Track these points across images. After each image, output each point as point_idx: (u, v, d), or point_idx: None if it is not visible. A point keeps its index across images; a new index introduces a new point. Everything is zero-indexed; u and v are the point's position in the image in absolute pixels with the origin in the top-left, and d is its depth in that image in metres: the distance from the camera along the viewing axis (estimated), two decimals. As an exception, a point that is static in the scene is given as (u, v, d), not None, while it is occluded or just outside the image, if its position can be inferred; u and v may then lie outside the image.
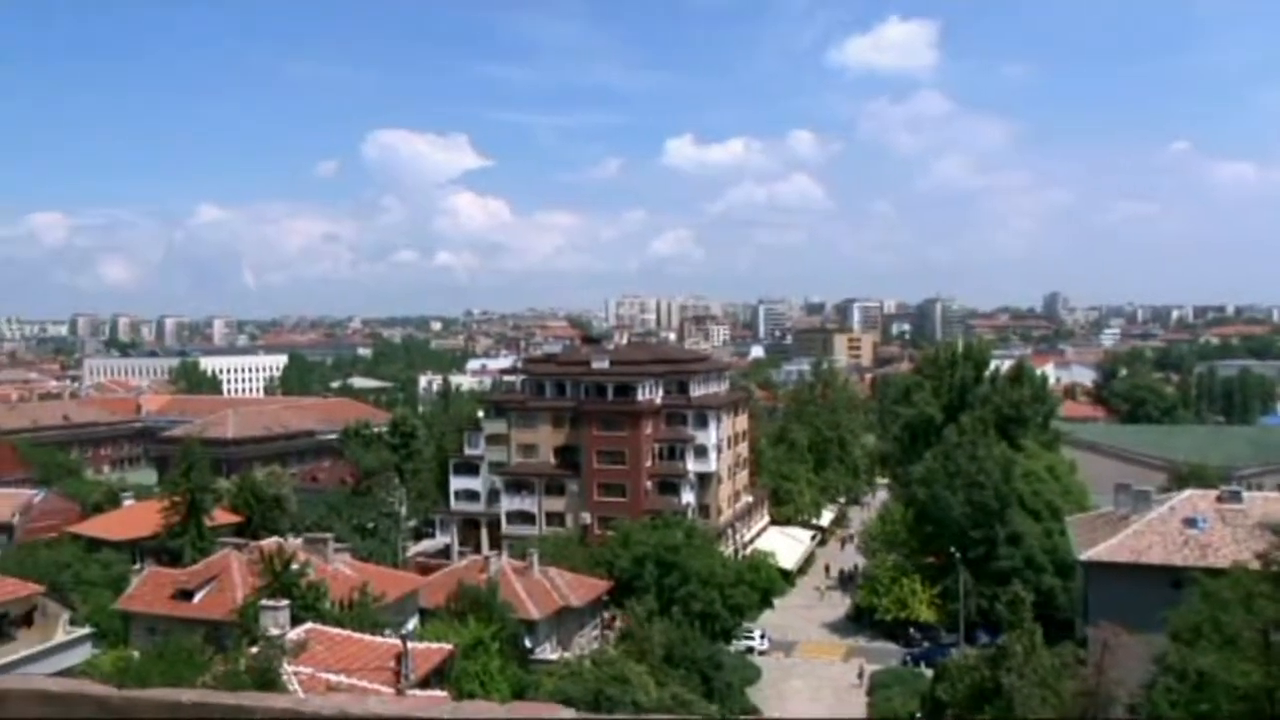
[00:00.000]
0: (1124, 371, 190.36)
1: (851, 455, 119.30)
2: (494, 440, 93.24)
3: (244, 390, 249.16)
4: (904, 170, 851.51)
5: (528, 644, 58.82)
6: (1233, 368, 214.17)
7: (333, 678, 34.69)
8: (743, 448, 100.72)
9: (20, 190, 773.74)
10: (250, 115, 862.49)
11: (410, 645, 39.29)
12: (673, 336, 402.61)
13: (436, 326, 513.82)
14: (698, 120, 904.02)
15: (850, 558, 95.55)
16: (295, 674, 34.34)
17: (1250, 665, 28.94)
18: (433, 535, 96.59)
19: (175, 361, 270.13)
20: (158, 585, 55.15)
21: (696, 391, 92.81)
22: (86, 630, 42.25)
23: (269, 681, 33.04)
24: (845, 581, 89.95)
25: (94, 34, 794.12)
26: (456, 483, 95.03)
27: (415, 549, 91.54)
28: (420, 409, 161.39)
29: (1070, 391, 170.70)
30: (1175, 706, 33.82)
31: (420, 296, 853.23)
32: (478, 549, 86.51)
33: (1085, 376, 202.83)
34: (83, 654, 40.43)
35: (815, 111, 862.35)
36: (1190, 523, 50.26)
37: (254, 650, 36.23)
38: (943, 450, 77.42)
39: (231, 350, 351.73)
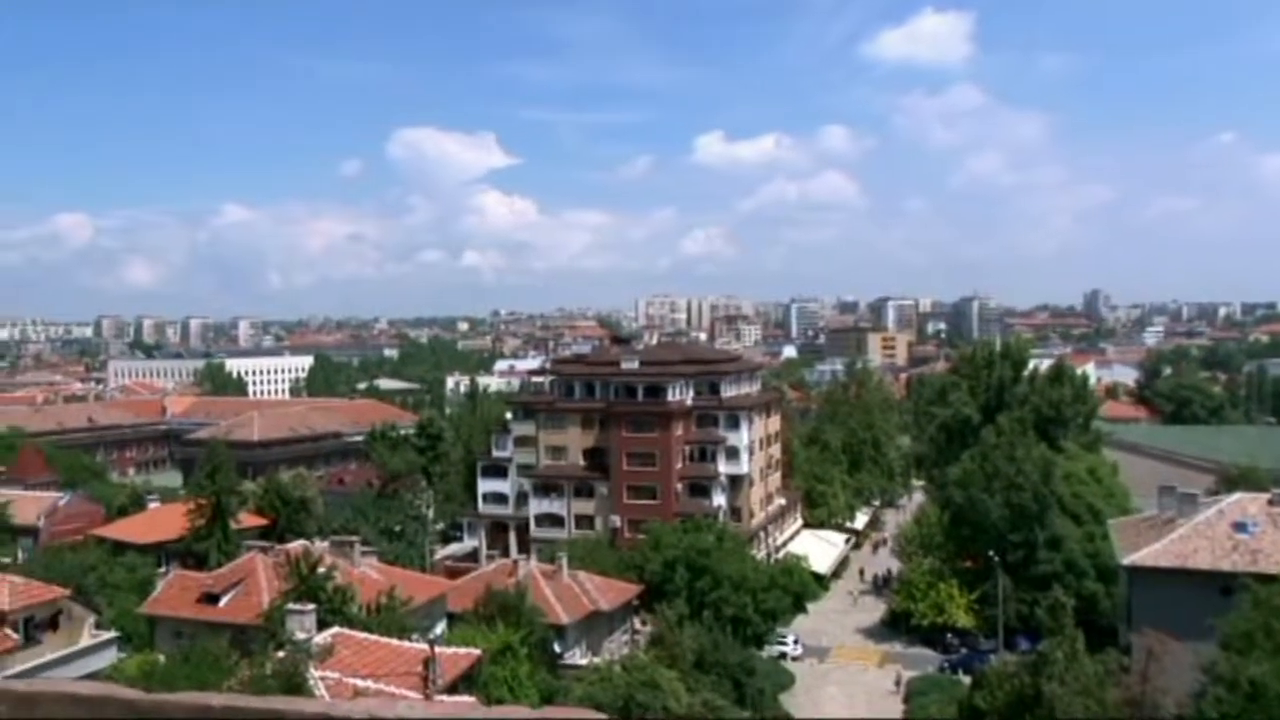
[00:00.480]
0: (1168, 370, 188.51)
1: (886, 457, 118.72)
2: (522, 442, 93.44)
3: (270, 392, 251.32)
4: (939, 166, 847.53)
5: (557, 649, 58.88)
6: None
7: (360, 683, 34.85)
8: (775, 449, 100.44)
9: (44, 191, 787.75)
10: (274, 114, 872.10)
11: (438, 650, 39.44)
12: (703, 336, 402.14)
13: (464, 327, 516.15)
14: (728, 116, 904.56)
15: (885, 562, 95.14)
16: (322, 679, 34.54)
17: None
18: (460, 538, 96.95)
19: (200, 363, 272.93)
20: (183, 589, 55.68)
21: (728, 392, 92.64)
22: (112, 634, 42.70)
23: (295, 686, 33.25)
24: (880, 586, 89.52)
25: (116, 34, 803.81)
26: (484, 485, 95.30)
27: (443, 552, 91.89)
28: (447, 410, 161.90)
29: (1112, 391, 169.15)
30: (1226, 718, 33.35)
31: (447, 297, 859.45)
32: (506, 552, 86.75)
33: (1127, 376, 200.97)
34: (108, 658, 40.87)
35: (847, 107, 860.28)
36: (1240, 527, 49.64)
37: (280, 655, 36.47)
38: (980, 451, 76.87)
39: (257, 351, 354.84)
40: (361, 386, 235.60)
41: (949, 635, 73.06)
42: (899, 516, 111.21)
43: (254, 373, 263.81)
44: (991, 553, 69.99)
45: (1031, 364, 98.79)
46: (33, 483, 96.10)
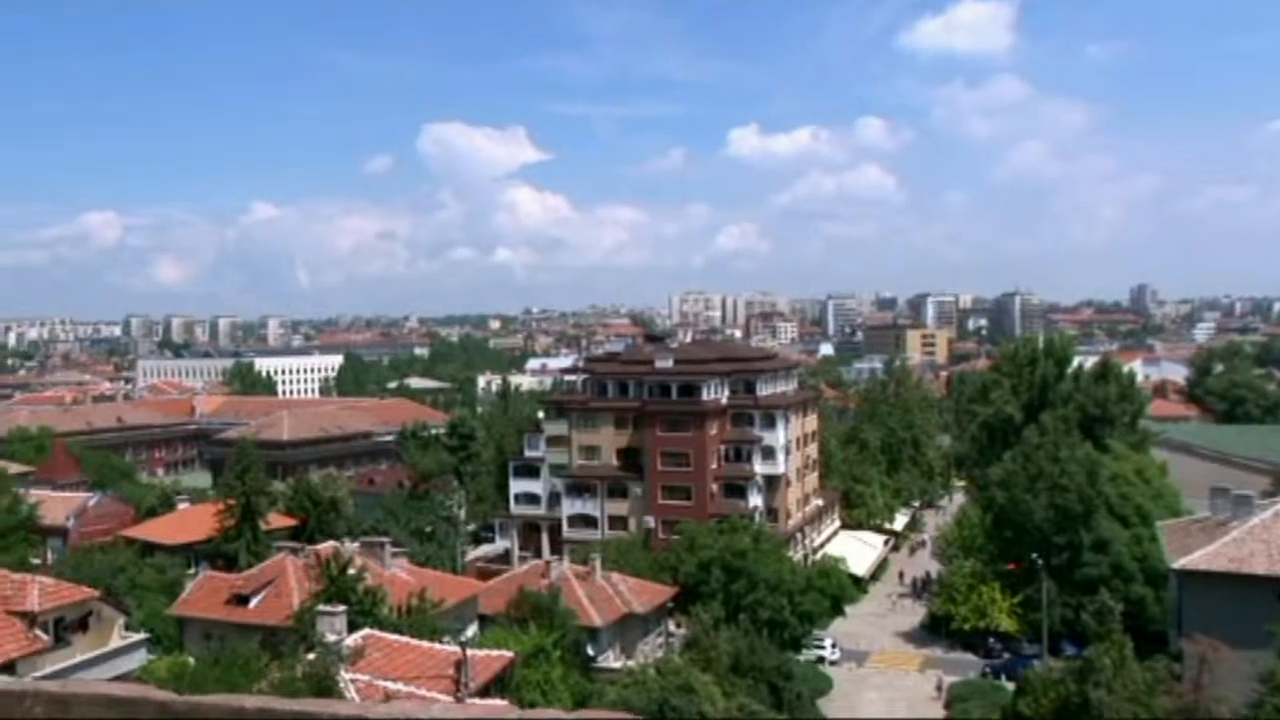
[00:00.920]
0: (1220, 368, 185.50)
1: (926, 457, 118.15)
2: (555, 442, 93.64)
3: (299, 391, 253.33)
4: (979, 158, 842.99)
5: (590, 652, 58.98)
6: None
7: (391, 685, 35.04)
8: (812, 449, 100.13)
9: (73, 190, 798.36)
10: (302, 110, 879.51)
11: (470, 653, 39.59)
12: (738, 334, 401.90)
13: (495, 325, 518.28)
14: (762, 109, 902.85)
15: (924, 564, 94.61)
16: (353, 681, 34.77)
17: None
18: (492, 539, 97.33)
19: (229, 362, 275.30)
20: (213, 590, 56.21)
21: (764, 391, 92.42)
22: (142, 636, 43.15)
23: (326, 689, 33.49)
24: (919, 589, 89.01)
25: (144, 31, 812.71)
26: (516, 485, 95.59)
27: (474, 553, 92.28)
28: (479, 410, 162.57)
29: (1160, 389, 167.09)
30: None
31: (478, 294, 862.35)
32: (538, 553, 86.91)
33: (1176, 373, 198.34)
34: (138, 660, 41.30)
35: (885, 98, 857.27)
36: (1297, 529, 48.86)
37: (310, 657, 36.74)
38: (1023, 451, 76.26)
39: (286, 350, 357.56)
40: (392, 385, 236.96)
41: (991, 640, 72.45)
42: (939, 518, 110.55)
43: (283, 372, 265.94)
44: (1035, 555, 69.23)
45: (1076, 361, 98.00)
46: (62, 483, 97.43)
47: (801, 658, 67.74)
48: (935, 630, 77.38)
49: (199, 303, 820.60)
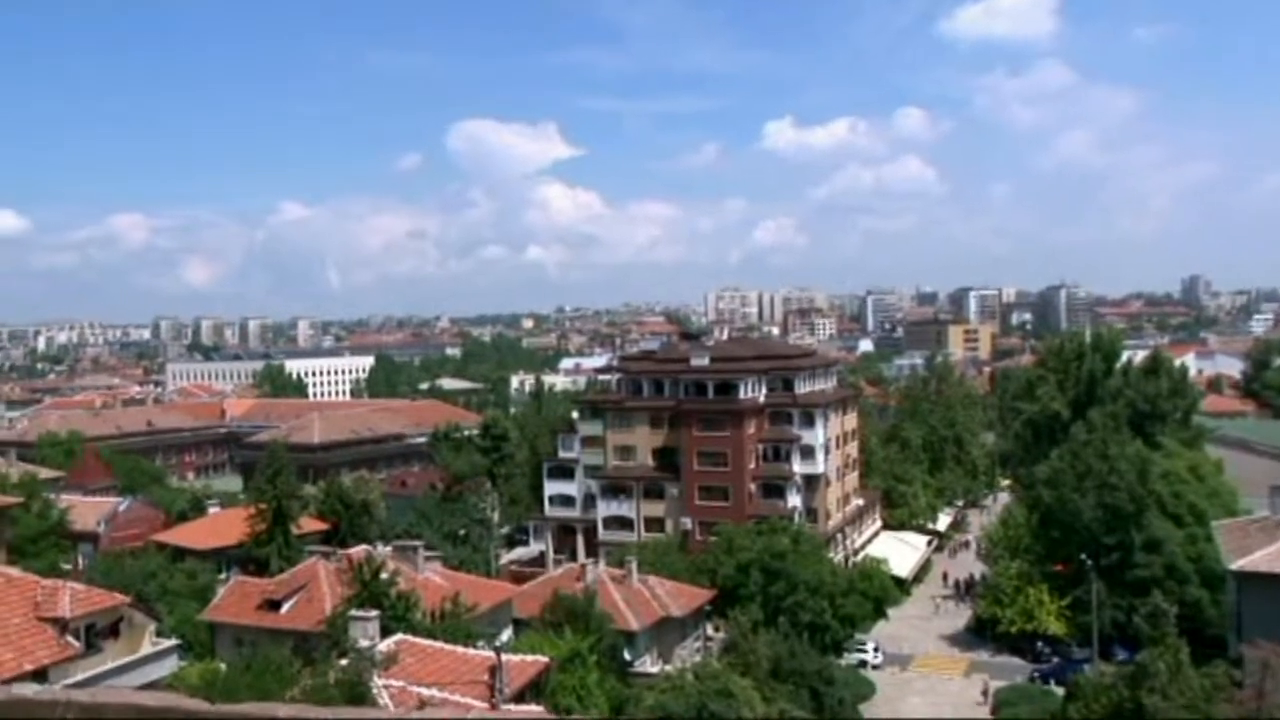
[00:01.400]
0: (1278, 361, 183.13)
1: (969, 455, 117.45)
2: (589, 442, 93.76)
3: (330, 393, 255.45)
4: (1023, 148, 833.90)
5: (627, 656, 58.99)
6: None
7: (424, 691, 35.16)
8: (852, 448, 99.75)
9: (100, 192, 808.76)
10: (329, 108, 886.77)
11: (504, 658, 39.66)
12: (776, 331, 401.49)
13: (528, 324, 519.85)
14: (798, 101, 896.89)
15: (968, 565, 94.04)
16: (386, 687, 34.93)
17: None
18: (526, 542, 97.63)
19: (259, 364, 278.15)
20: (244, 595, 56.73)
21: (802, 389, 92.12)
22: (173, 642, 43.57)
23: (359, 695, 33.69)
24: (964, 591, 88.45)
25: (170, 30, 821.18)
26: (551, 487, 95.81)
27: (508, 557, 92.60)
28: (512, 410, 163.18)
29: (1214, 384, 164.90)
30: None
31: (510, 293, 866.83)
32: (573, 556, 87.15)
33: (1232, 367, 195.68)
34: (169, 666, 41.66)
35: (924, 88, 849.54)
36: (1362, 529, 48.02)
37: (343, 662, 36.97)
38: (1070, 449, 75.65)
39: (317, 352, 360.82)
40: (424, 387, 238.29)
41: (1039, 643, 71.89)
42: (983, 517, 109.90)
43: (314, 374, 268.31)
44: (1084, 556, 68.59)
45: (1125, 356, 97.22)
46: (93, 488, 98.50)
47: (843, 662, 67.47)
48: (981, 633, 76.92)
49: (228, 304, 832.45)
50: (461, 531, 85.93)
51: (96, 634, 38.11)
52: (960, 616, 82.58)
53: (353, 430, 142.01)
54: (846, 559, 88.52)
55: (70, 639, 36.42)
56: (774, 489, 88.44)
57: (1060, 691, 56.38)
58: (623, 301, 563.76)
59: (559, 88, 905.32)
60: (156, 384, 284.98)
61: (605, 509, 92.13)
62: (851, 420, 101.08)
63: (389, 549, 58.42)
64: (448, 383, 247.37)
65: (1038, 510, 77.33)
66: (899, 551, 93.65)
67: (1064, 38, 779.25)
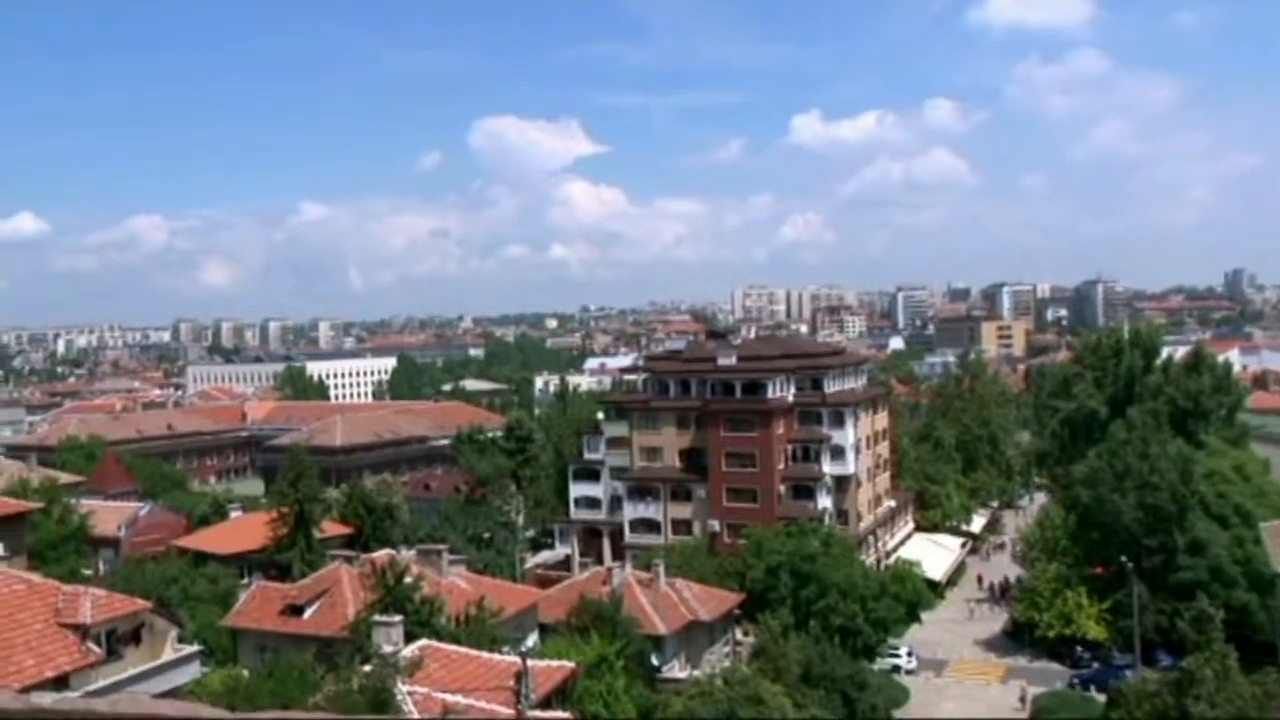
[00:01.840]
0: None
1: (1004, 455, 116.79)
2: (615, 444, 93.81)
3: (352, 395, 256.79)
4: (1058, 138, 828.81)
5: (654, 661, 58.99)
6: None
7: (449, 698, 35.21)
8: (883, 448, 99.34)
9: (119, 193, 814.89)
10: (349, 107, 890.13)
11: (530, 663, 39.64)
12: (804, 329, 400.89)
13: (552, 324, 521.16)
14: (825, 95, 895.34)
15: (1003, 567, 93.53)
16: (410, 694, 34.96)
17: None
18: (552, 545, 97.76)
19: (280, 366, 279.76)
20: (266, 600, 56.95)
21: (831, 388, 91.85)
22: (195, 648, 43.80)
23: (383, 702, 33.74)
24: (999, 594, 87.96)
25: (186, 30, 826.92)
26: (576, 489, 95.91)
27: (534, 560, 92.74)
28: (536, 411, 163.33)
29: (1260, 380, 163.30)
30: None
31: (534, 293, 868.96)
32: (600, 560, 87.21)
33: (1278, 362, 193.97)
34: (191, 672, 41.86)
35: (955, 78, 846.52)
36: None
37: (367, 669, 37.03)
38: (1109, 448, 75.03)
39: (338, 354, 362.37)
40: (446, 388, 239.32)
41: (1078, 648, 71.35)
42: (1019, 519, 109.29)
43: (335, 376, 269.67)
44: (1124, 558, 68.05)
45: (1165, 352, 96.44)
46: (113, 493, 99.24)
47: (876, 667, 67.12)
48: (1018, 638, 76.44)
49: (248, 305, 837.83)
50: (486, 535, 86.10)
51: (118, 640, 38.32)
52: (996, 620, 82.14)
53: (375, 433, 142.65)
54: (878, 561, 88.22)
55: (91, 645, 36.66)
56: (803, 490, 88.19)
57: (1101, 698, 55.99)
58: (648, 300, 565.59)
59: (581, 83, 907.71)
60: (177, 387, 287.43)
61: (631, 511, 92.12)
62: (882, 420, 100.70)
63: (412, 553, 58.57)
64: (471, 384, 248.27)
65: (1075, 511, 76.81)
66: (932, 554, 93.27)
67: (1100, 24, 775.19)
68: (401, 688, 35.12)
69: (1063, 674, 69.30)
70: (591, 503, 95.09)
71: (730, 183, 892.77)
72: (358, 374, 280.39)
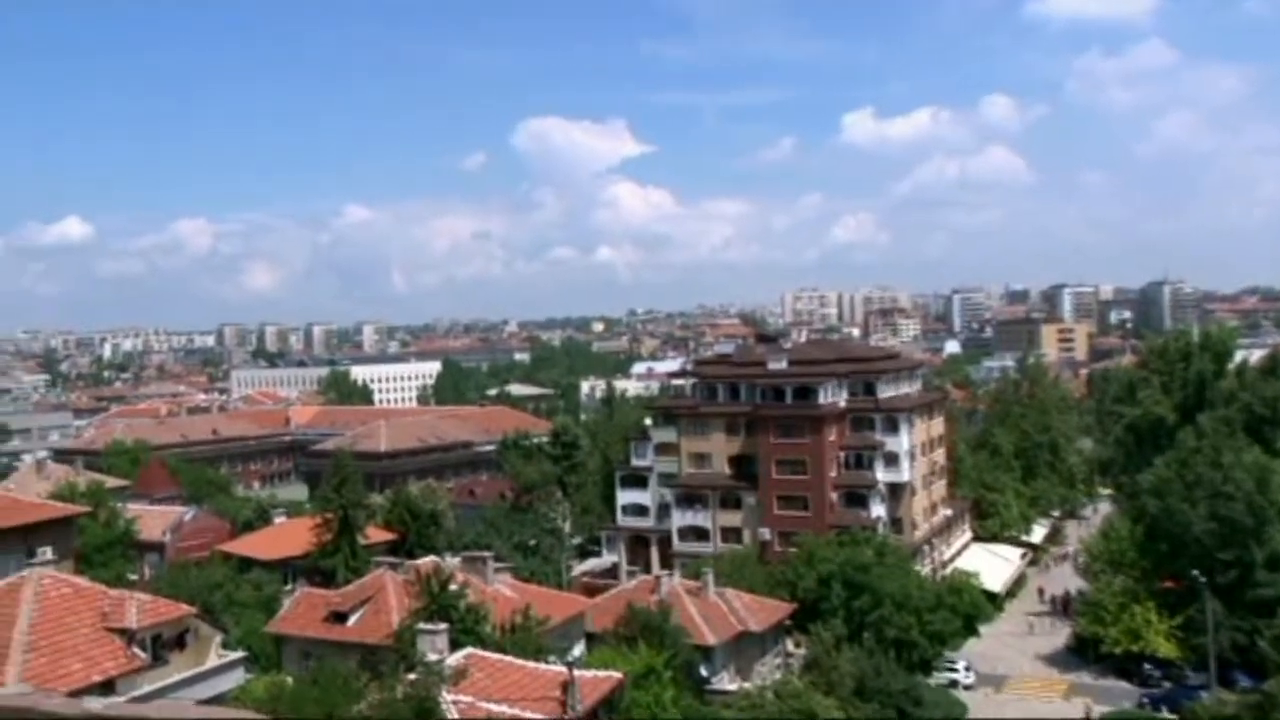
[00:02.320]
0: None
1: (1065, 462, 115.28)
2: (663, 450, 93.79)
3: (396, 400, 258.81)
4: (1121, 134, 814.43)
5: (703, 673, 58.86)
6: None
7: (494, 708, 35.29)
8: (939, 455, 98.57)
9: (164, 197, 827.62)
10: (393, 109, 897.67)
11: (577, 673, 39.65)
12: (856, 332, 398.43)
13: (598, 328, 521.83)
14: (878, 91, 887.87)
15: (1065, 580, 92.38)
16: (454, 703, 35.08)
17: None
18: (599, 553, 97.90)
19: (324, 371, 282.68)
20: (310, 607, 57.46)
21: (885, 393, 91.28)
22: (239, 654, 44.24)
23: (427, 710, 33.89)
24: (1062, 607, 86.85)
25: (227, 33, 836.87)
26: (623, 496, 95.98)
27: (580, 568, 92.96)
28: (583, 417, 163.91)
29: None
30: None
31: (580, 296, 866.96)
32: (647, 568, 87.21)
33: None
34: (236, 679, 42.25)
35: (1012, 73, 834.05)
36: None
37: (411, 677, 37.20)
38: (1178, 456, 73.85)
39: (382, 358, 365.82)
40: (492, 393, 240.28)
41: (1147, 666, 70.13)
42: (1082, 529, 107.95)
43: (380, 380, 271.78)
44: (1195, 572, 66.73)
45: (1239, 356, 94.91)
46: (159, 497, 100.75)
47: (932, 681, 66.63)
48: (1081, 653, 75.42)
49: (292, 309, 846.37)
50: (532, 542, 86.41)
51: (163, 645, 38.77)
52: (1058, 635, 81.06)
53: (420, 438, 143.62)
54: (934, 572, 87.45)
55: (137, 650, 37.09)
56: (856, 498, 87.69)
57: (1173, 719, 54.95)
58: (696, 303, 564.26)
59: (628, 82, 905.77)
60: (221, 391, 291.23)
61: (680, 519, 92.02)
62: (938, 426, 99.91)
63: (457, 560, 58.79)
64: (516, 389, 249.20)
65: (1142, 522, 75.56)
66: (990, 565, 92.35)
67: (1165, 14, 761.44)
68: (446, 697, 35.24)
69: (1131, 693, 68.19)
70: (639, 510, 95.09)
71: (780, 183, 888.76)
72: (402, 378, 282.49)
